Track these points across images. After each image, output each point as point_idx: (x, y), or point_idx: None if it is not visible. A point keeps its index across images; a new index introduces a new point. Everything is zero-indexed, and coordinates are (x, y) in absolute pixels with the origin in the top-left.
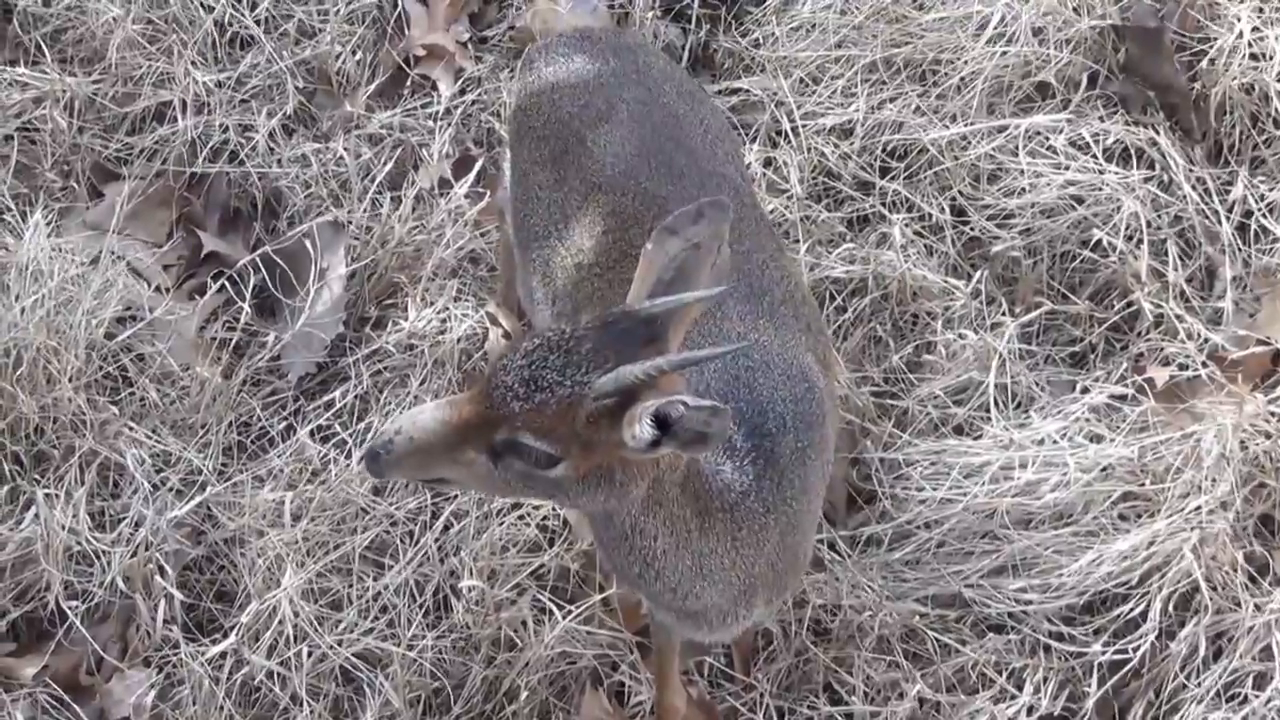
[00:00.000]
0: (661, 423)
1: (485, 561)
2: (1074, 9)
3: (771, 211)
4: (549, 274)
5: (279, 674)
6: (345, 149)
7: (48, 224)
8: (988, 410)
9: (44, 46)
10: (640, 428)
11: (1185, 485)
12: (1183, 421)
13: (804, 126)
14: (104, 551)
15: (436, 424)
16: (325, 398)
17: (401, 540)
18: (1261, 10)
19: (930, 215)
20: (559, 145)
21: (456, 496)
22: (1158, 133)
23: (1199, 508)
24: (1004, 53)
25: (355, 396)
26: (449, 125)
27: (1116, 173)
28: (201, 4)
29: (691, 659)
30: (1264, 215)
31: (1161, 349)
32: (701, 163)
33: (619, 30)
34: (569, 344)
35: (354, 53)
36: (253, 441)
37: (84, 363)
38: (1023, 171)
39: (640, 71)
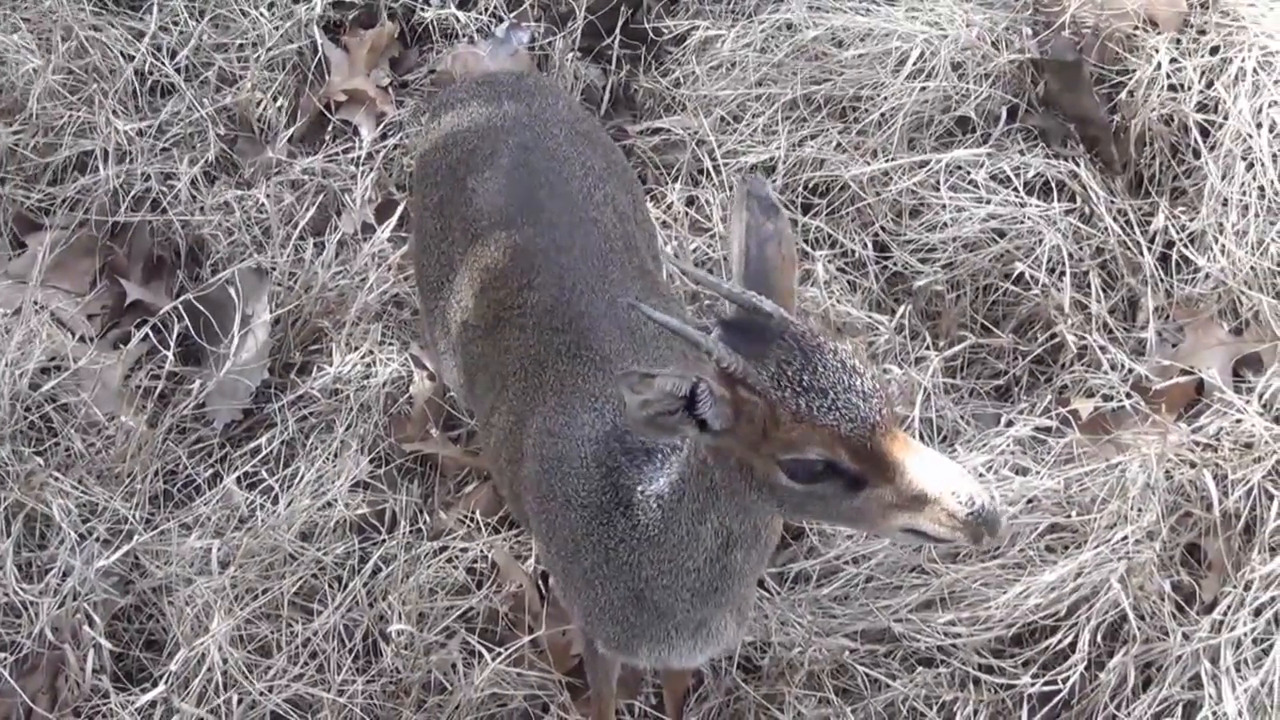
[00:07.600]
0: None
1: (414, 605)
2: (992, 43)
3: (695, 250)
4: (446, 326)
5: None
6: (267, 195)
7: None
8: None
9: None
10: None
11: (1111, 516)
12: (1108, 452)
13: (725, 165)
14: (32, 602)
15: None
16: (251, 444)
17: (330, 585)
18: (1179, 42)
19: (853, 251)
20: (445, 192)
21: (384, 541)
22: (1078, 165)
23: (1125, 538)
24: (923, 88)
25: (281, 443)
26: (371, 170)
27: (1038, 205)
28: (122, 53)
29: (623, 700)
30: (1185, 245)
31: (1085, 380)
32: (575, 209)
33: (524, 74)
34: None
35: (275, 99)
36: (179, 489)
37: (8, 414)
38: (944, 206)
39: (533, 115)
